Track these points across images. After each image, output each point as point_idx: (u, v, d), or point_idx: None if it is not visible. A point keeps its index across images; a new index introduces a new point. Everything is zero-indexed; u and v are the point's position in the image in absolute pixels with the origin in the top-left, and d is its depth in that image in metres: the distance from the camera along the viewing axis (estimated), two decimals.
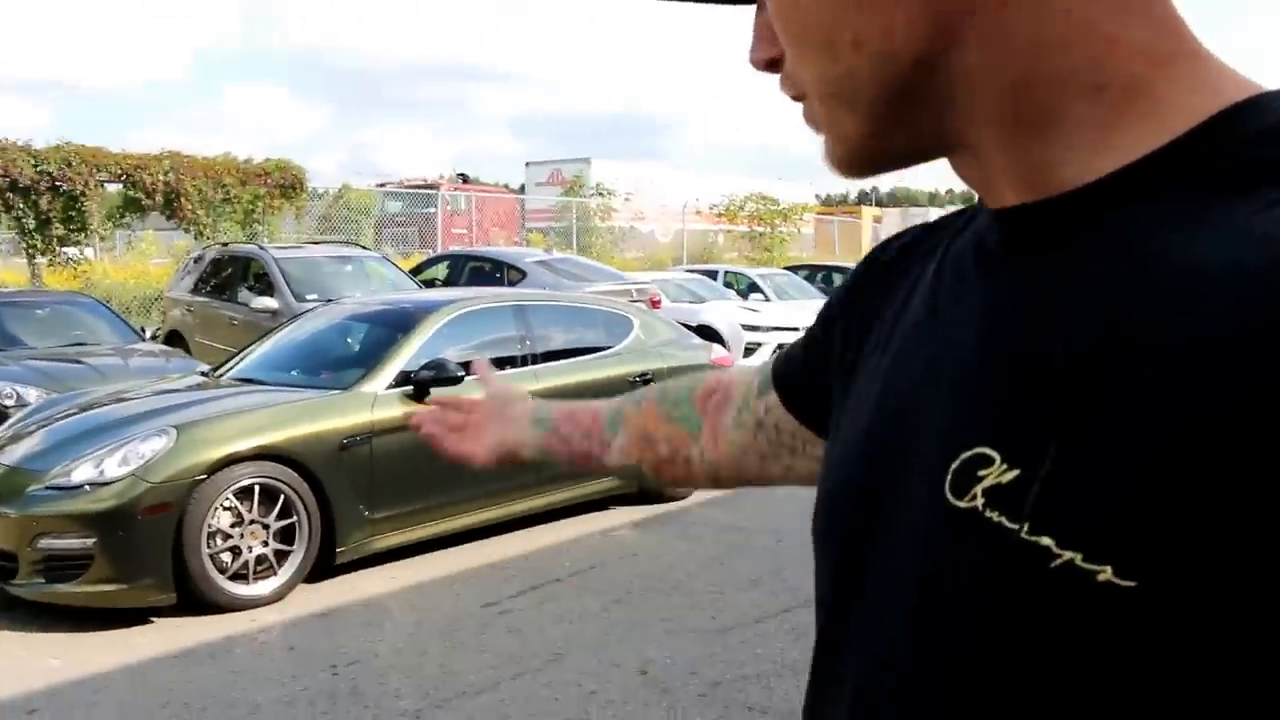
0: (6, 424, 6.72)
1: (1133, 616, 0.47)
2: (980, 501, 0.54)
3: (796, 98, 0.65)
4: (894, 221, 50.05)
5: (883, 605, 0.62)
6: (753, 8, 0.70)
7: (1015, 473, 0.53)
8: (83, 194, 15.35)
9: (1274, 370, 0.45)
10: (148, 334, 10.53)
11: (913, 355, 0.67)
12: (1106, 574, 0.48)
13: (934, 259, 0.71)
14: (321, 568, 5.71)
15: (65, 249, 15.65)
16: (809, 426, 0.94)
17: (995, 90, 0.57)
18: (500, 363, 6.81)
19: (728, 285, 17.88)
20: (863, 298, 0.80)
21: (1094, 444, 0.50)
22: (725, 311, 15.06)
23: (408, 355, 6.27)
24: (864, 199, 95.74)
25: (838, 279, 21.85)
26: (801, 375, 0.92)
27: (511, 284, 13.22)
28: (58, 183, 15.16)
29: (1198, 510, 0.46)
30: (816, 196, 54.14)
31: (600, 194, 27.84)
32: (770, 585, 5.69)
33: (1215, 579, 0.45)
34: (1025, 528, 0.52)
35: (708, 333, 13.18)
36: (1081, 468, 0.50)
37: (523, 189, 39.14)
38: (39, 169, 15.05)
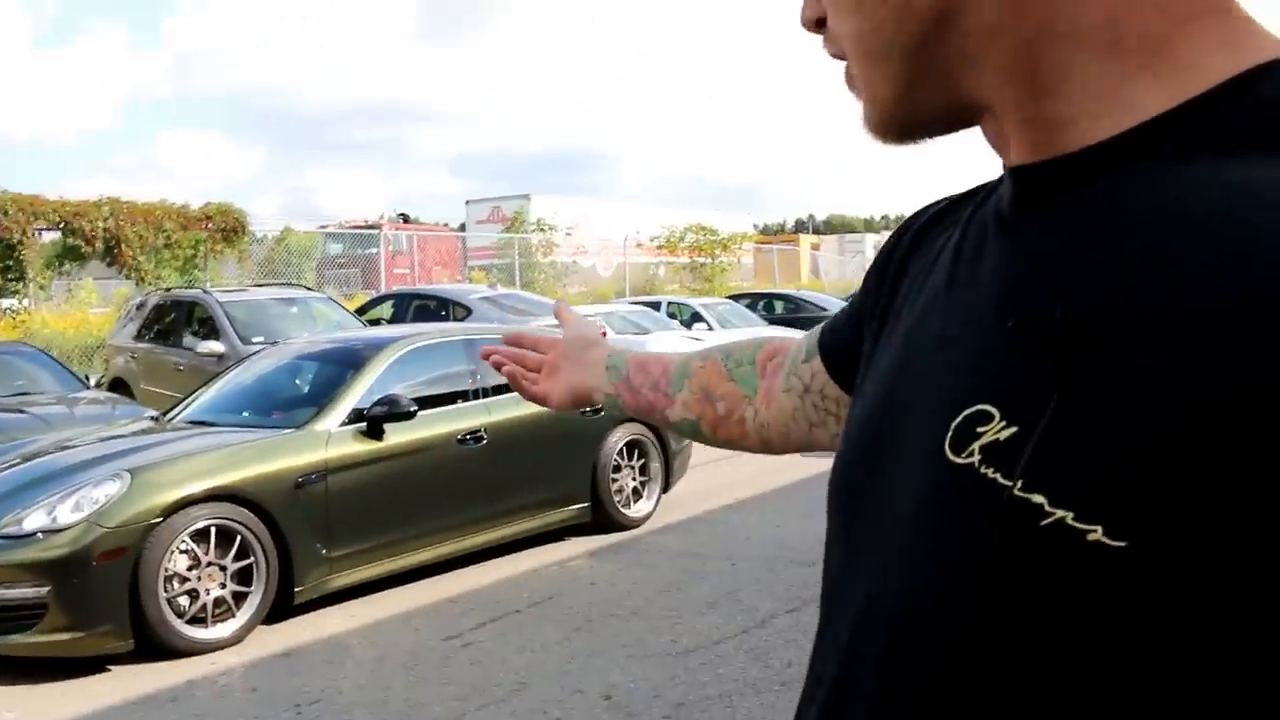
0: None
1: (1120, 577, 0.48)
2: (977, 458, 0.55)
3: (837, 56, 0.67)
4: (831, 248, 50.63)
5: (880, 559, 0.63)
6: None
7: (1013, 430, 0.54)
8: (20, 243, 15.15)
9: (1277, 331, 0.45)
10: (92, 382, 10.42)
11: (931, 319, 0.67)
12: (1097, 534, 0.48)
13: (958, 226, 0.71)
14: (280, 608, 5.70)
15: (2, 300, 15.40)
16: (849, 393, 0.91)
17: (1010, 46, 0.58)
18: (451, 397, 6.86)
19: (671, 316, 18.01)
20: (893, 265, 0.80)
21: (1091, 405, 0.50)
22: (670, 342, 15.16)
23: (359, 392, 6.30)
24: (800, 227, 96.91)
25: (779, 306, 22.13)
26: (843, 341, 0.93)
27: (457, 320, 13.25)
28: None
29: (1196, 476, 0.46)
30: (755, 226, 54.63)
31: (541, 229, 27.94)
32: (727, 608, 5.77)
33: (1209, 545, 0.46)
34: (1019, 485, 0.52)
35: None
36: (1078, 428, 0.51)
37: (463, 227, 39.15)
38: None
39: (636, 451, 7.76)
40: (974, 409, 0.56)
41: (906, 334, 0.70)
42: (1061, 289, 0.54)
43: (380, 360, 6.57)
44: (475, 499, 6.68)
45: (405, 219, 34.71)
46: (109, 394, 10.67)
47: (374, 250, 24.82)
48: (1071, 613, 0.50)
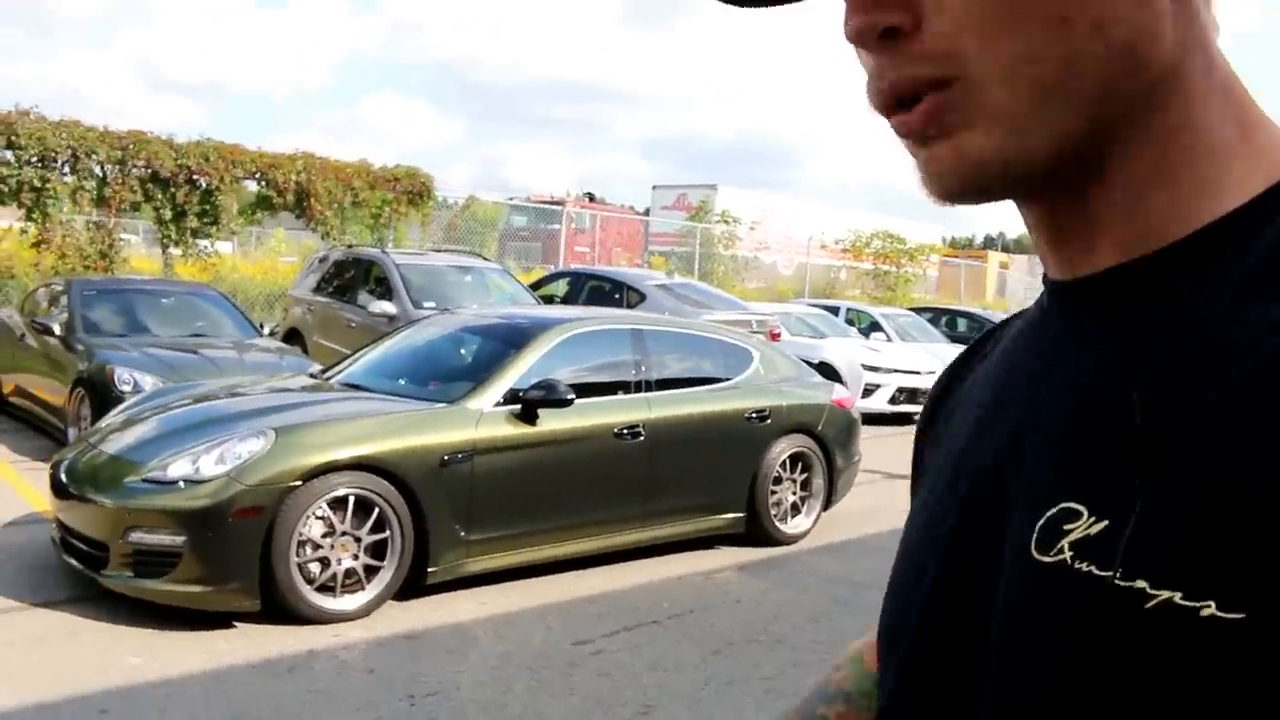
0: (120, 408, 6.71)
1: (1240, 648, 0.47)
2: (1068, 555, 0.55)
3: (934, 81, 0.56)
4: (1022, 268, 48.76)
5: (963, 666, 0.62)
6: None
7: (1104, 524, 0.54)
8: (218, 189, 15.63)
9: None
10: (266, 330, 10.57)
11: (989, 431, 0.66)
12: (1210, 609, 0.48)
13: (994, 346, 0.75)
14: (411, 586, 5.49)
15: (198, 241, 15.93)
16: None
17: (1168, 128, 0.58)
18: (613, 387, 6.55)
19: (849, 322, 17.42)
20: (929, 426, 0.81)
21: (1183, 486, 0.51)
22: (846, 349, 14.63)
23: (518, 372, 6.05)
24: (990, 243, 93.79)
25: (962, 324, 21.23)
26: None
27: (630, 306, 13.01)
28: (195, 176, 15.46)
29: None
30: (943, 238, 53.11)
31: (725, 221, 27.58)
32: None
33: None
34: (1118, 574, 0.52)
35: (827, 370, 12.78)
36: (1172, 510, 0.51)
37: (648, 211, 39.14)
38: (179, 162, 15.36)
39: (800, 464, 7.33)
40: (1057, 508, 0.57)
41: (959, 453, 0.69)
42: (1141, 385, 0.56)
43: (543, 342, 6.30)
44: (626, 496, 6.37)
45: (590, 198, 34.86)
46: (279, 344, 10.80)
47: (556, 226, 24.92)
48: (1189, 690, 0.49)
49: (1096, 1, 0.54)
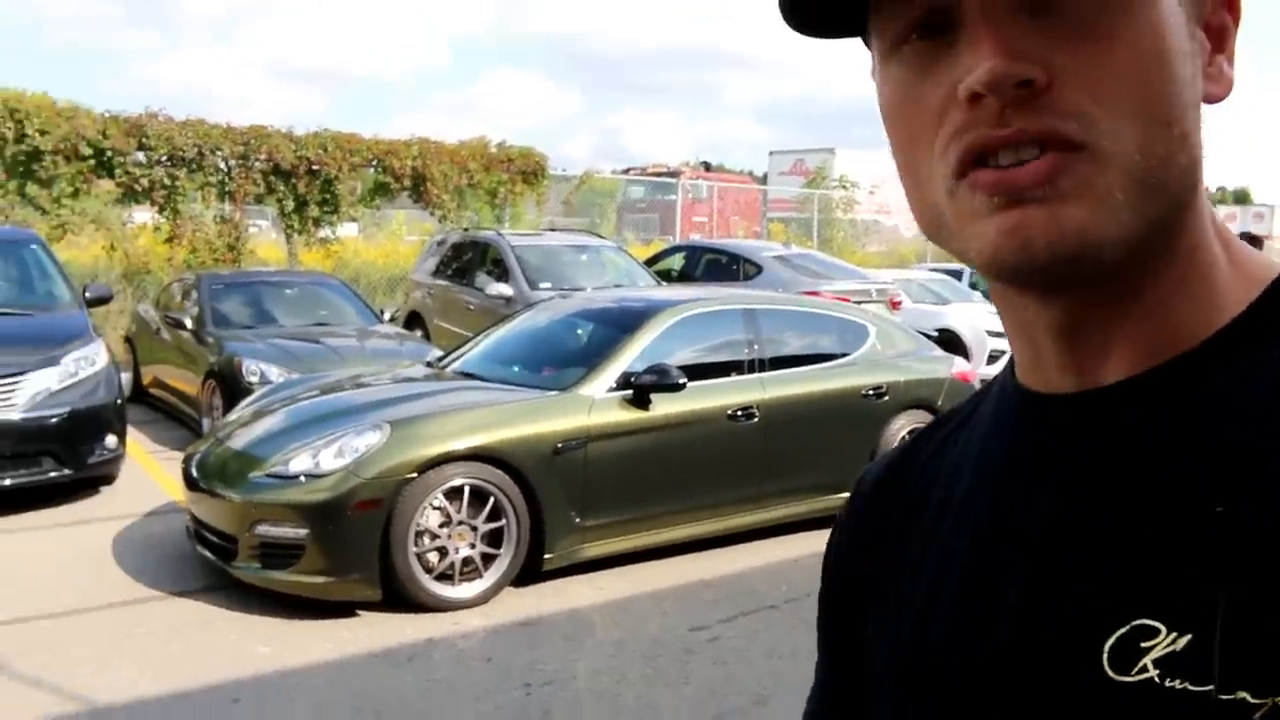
0: (247, 401, 6.91)
1: None
2: (1154, 673, 0.55)
3: (1068, 140, 0.57)
4: None
5: None
6: None
7: (1188, 637, 0.54)
8: (337, 178, 16.00)
9: None
10: (386, 316, 10.77)
11: (996, 561, 0.67)
12: None
13: (940, 469, 0.76)
14: (529, 573, 5.55)
15: (320, 230, 16.34)
16: None
17: (1190, 245, 0.62)
18: (726, 368, 6.50)
19: (973, 287, 16.98)
20: (861, 536, 0.82)
21: (1263, 587, 0.52)
22: (970, 315, 14.26)
23: (630, 357, 6.04)
24: None
25: None
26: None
27: (747, 278, 12.89)
28: (314, 166, 15.85)
29: None
30: None
31: (843, 186, 27.16)
32: None
33: None
34: (1217, 687, 0.52)
35: (950, 337, 12.48)
36: (1257, 614, 0.51)
37: (765, 178, 38.77)
38: (298, 154, 15.76)
39: None
40: (1130, 626, 0.56)
41: (962, 580, 0.69)
42: (1197, 486, 0.56)
43: (655, 325, 6.27)
44: (741, 478, 6.32)
45: (707, 167, 34.71)
46: (399, 330, 11.00)
47: (673, 197, 24.85)
48: None
49: (1187, 117, 0.59)
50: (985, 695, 0.65)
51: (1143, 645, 0.56)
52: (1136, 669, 0.56)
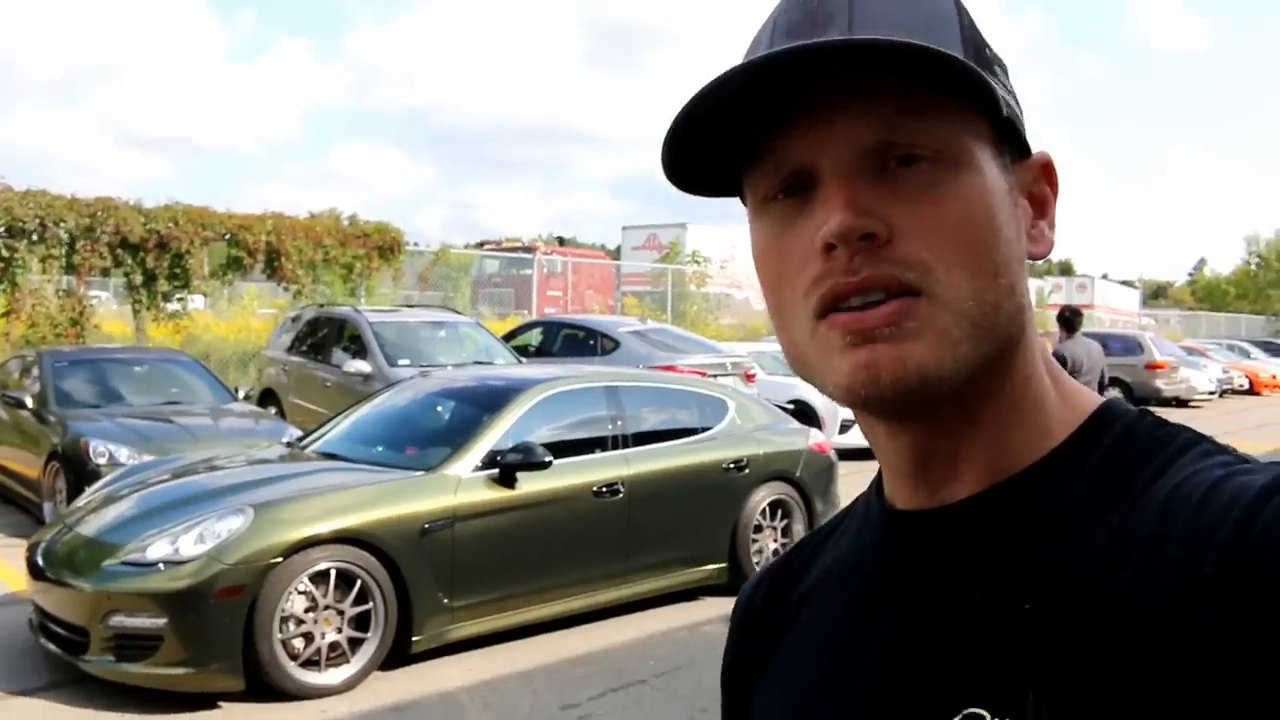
0: (97, 485, 6.68)
1: None
2: None
3: (909, 286, 0.66)
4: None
5: None
6: None
7: None
8: (188, 252, 15.61)
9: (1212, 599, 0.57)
10: (241, 394, 10.54)
11: (852, 662, 0.75)
12: None
13: (810, 570, 0.85)
14: (396, 656, 5.48)
15: (168, 304, 15.89)
16: None
17: (1021, 378, 0.72)
18: (590, 445, 6.58)
19: None
20: (749, 644, 0.88)
21: (1072, 682, 0.61)
22: None
23: (495, 436, 6.07)
24: None
25: None
26: None
27: (605, 353, 13.05)
28: (165, 240, 15.45)
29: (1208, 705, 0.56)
30: None
31: (696, 261, 27.71)
32: None
33: None
34: None
35: (802, 407, 12.82)
36: (1068, 705, 0.60)
37: (618, 251, 39.24)
38: (148, 227, 15.34)
39: (780, 511, 7.36)
40: (964, 713, 0.65)
41: (825, 681, 0.76)
42: (1019, 590, 0.66)
43: (519, 404, 6.33)
44: (608, 554, 6.38)
45: (561, 241, 35.00)
46: (254, 408, 10.78)
47: (528, 271, 24.98)
48: None
49: (1012, 270, 0.69)
50: None
51: None
52: None
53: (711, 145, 0.71)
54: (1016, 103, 0.74)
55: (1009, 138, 0.72)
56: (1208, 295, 50.74)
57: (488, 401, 6.48)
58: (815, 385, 0.71)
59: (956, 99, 0.67)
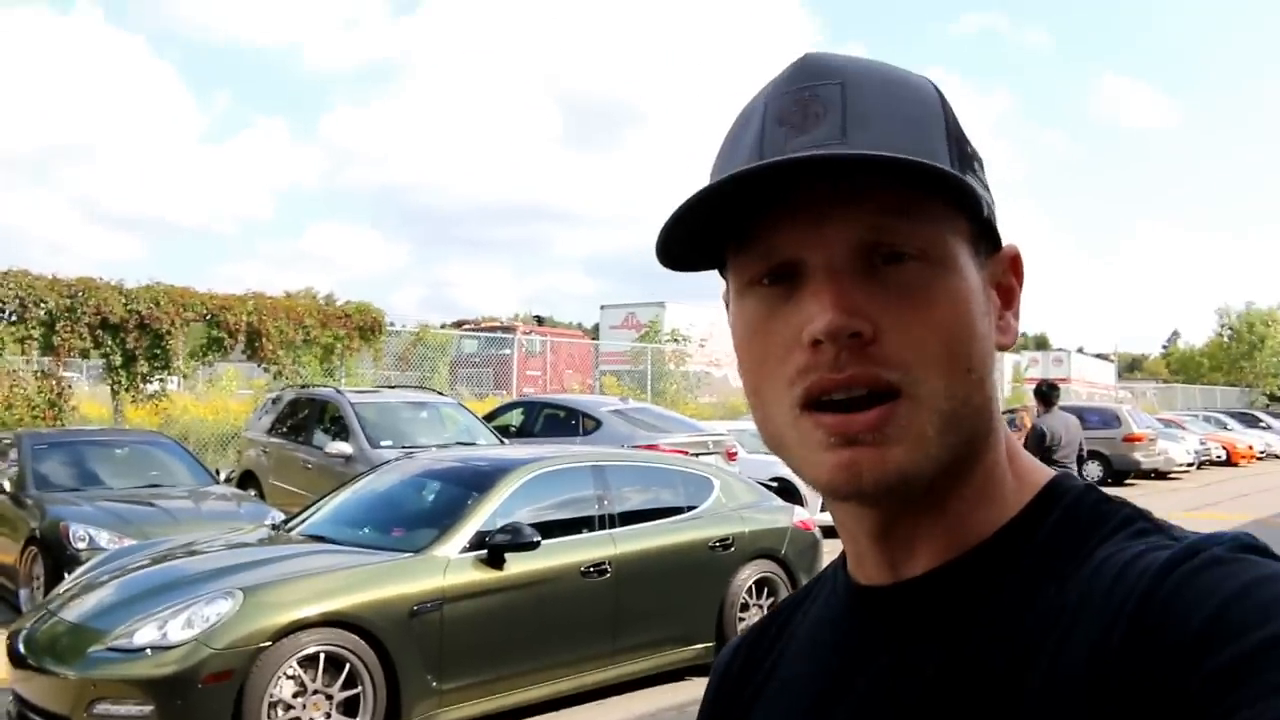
0: (79, 572, 6.62)
1: None
2: None
3: (891, 387, 0.69)
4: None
5: None
6: None
7: None
8: (169, 332, 15.60)
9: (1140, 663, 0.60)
10: (222, 476, 10.49)
11: None
12: None
13: (784, 639, 0.88)
14: None
15: (148, 385, 15.82)
16: None
17: (988, 464, 0.76)
18: (577, 524, 6.60)
19: None
20: (722, 715, 0.90)
21: None
22: None
23: (483, 517, 6.08)
24: None
25: None
26: None
27: (586, 432, 13.07)
28: (146, 321, 15.43)
29: None
30: None
31: (675, 340, 27.86)
32: None
33: None
34: None
35: (785, 486, 12.85)
36: None
37: (596, 329, 39.40)
38: (129, 308, 15.33)
39: (766, 589, 7.37)
40: None
41: None
42: (981, 667, 0.69)
43: (506, 485, 6.35)
44: (596, 635, 6.37)
45: (539, 320, 35.19)
46: (235, 490, 10.72)
47: (507, 351, 25.04)
48: None
49: (986, 363, 0.73)
50: None
51: None
52: None
53: (699, 230, 0.73)
54: (990, 197, 0.77)
55: (985, 232, 0.76)
56: (1182, 367, 51.32)
57: (474, 482, 6.50)
58: (791, 468, 0.73)
59: (942, 200, 0.70)
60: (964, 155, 0.74)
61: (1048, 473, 0.78)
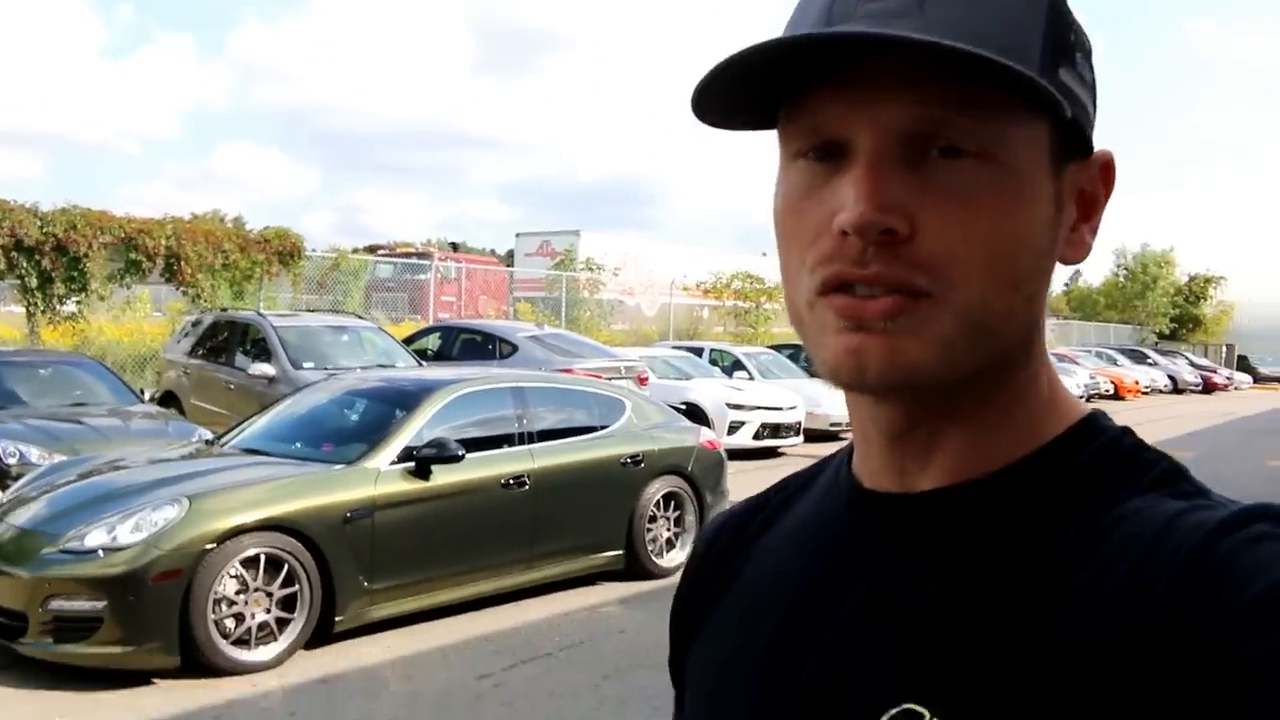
0: (24, 480, 6.88)
1: None
2: None
3: (917, 290, 0.64)
4: None
5: None
6: None
7: None
8: (86, 255, 15.59)
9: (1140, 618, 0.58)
10: (146, 396, 10.70)
11: (798, 631, 0.73)
12: None
13: (773, 523, 0.83)
14: (321, 635, 5.90)
15: (64, 307, 15.82)
16: None
17: (1020, 385, 0.71)
18: (498, 441, 7.07)
19: (713, 363, 18.15)
20: (699, 587, 0.87)
21: (1015, 685, 0.61)
22: (711, 390, 15.34)
23: (410, 432, 6.53)
24: None
25: None
26: None
27: (503, 357, 13.47)
28: (62, 244, 15.40)
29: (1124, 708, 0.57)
30: None
31: (590, 269, 28.23)
32: None
33: None
34: None
35: (694, 410, 13.44)
36: (997, 698, 0.61)
37: (511, 256, 39.48)
38: (45, 230, 15.29)
39: (673, 503, 7.93)
40: (900, 709, 0.64)
41: (768, 643, 0.75)
42: (964, 599, 0.66)
43: (431, 404, 6.79)
44: (515, 541, 6.88)
45: (454, 247, 35.16)
46: (162, 409, 10.95)
47: (423, 277, 25.20)
48: None
49: (1037, 280, 0.68)
50: None
51: None
52: None
53: (748, 89, 0.67)
54: (1087, 95, 0.69)
55: (1072, 136, 0.68)
56: (1080, 305, 52.86)
57: (401, 401, 6.93)
58: (808, 352, 0.69)
59: (1016, 98, 0.63)
60: (1062, 46, 0.66)
61: (1085, 408, 0.74)
